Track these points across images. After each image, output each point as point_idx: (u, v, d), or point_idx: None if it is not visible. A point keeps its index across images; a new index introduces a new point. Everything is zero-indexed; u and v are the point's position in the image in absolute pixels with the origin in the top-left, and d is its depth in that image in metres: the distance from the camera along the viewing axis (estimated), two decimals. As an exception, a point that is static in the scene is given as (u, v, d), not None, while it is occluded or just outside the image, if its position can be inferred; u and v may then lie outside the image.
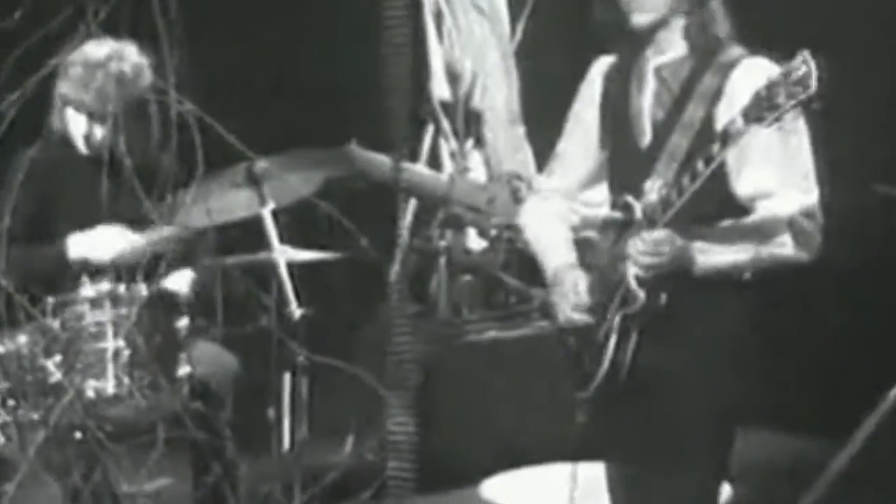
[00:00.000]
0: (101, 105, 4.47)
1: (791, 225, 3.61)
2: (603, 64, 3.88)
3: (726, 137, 3.47)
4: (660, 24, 3.72)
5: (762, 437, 5.08)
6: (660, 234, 3.56)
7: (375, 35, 3.62)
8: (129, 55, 4.49)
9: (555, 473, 5.40)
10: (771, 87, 3.39)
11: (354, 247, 4.27)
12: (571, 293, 3.75)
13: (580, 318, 3.71)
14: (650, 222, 3.60)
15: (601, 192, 3.90)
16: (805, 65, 3.35)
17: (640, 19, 3.69)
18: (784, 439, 5.31)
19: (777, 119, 3.40)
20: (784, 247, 3.63)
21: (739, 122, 3.44)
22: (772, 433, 5.23)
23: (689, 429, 3.67)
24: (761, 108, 3.41)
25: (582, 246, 3.84)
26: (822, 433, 4.58)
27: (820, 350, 5.38)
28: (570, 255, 3.80)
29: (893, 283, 5.03)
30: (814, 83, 3.32)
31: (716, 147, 3.47)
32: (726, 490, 5.02)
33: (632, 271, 3.61)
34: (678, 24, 3.74)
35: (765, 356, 3.76)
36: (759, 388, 3.83)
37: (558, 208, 3.92)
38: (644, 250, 3.57)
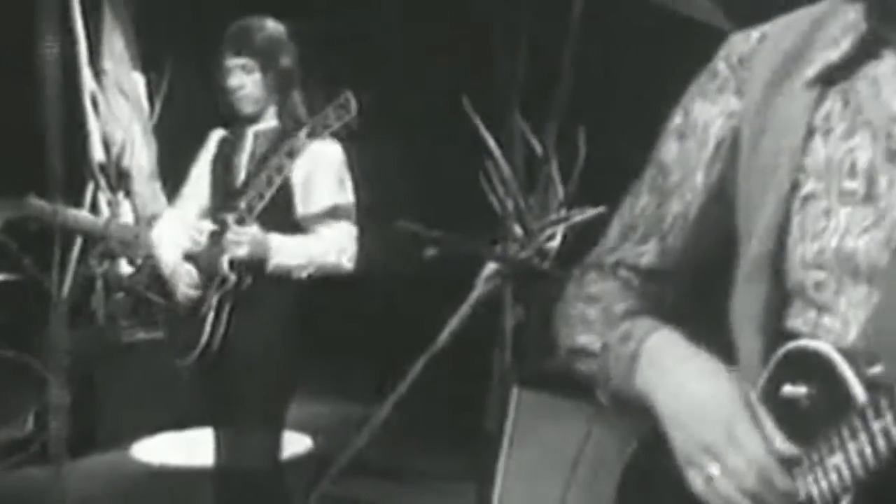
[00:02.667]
0: None
1: (338, 244, 4.30)
2: (218, 134, 4.52)
3: (292, 151, 4.12)
4: (261, 112, 4.40)
5: (331, 401, 5.90)
6: (246, 228, 4.14)
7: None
8: None
9: (187, 436, 6.02)
10: (325, 113, 4.07)
11: (24, 270, 4.99)
12: (186, 277, 4.28)
13: (194, 292, 4.24)
14: (239, 221, 4.16)
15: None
16: (346, 98, 4.08)
17: (246, 110, 4.39)
18: (345, 402, 5.98)
19: (330, 133, 4.05)
20: (333, 259, 4.29)
21: (302, 137, 4.08)
22: (337, 397, 5.98)
23: (255, 394, 4.20)
24: (317, 127, 4.08)
25: (193, 255, 4.32)
26: (370, 395, 5.27)
27: (367, 337, 6.13)
28: (180, 257, 4.34)
29: (416, 288, 5.86)
30: (353, 109, 4.07)
31: (285, 161, 4.08)
32: (308, 441, 5.78)
33: (225, 258, 4.17)
34: (273, 106, 4.41)
35: (327, 339, 4.42)
36: (323, 364, 4.51)
37: (178, 229, 4.40)
38: (233, 240, 4.13)
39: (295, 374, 4.33)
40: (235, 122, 4.45)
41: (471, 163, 5.36)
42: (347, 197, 4.38)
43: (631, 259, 1.93)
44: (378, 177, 5.27)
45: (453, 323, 5.24)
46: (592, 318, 1.91)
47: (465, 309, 5.26)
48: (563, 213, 5.40)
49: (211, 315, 4.19)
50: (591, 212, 5.15)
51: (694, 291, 1.93)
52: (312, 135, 4.09)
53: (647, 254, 1.92)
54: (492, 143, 5.40)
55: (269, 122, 4.42)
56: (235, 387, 4.22)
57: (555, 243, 5.38)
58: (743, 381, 1.73)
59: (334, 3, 5.68)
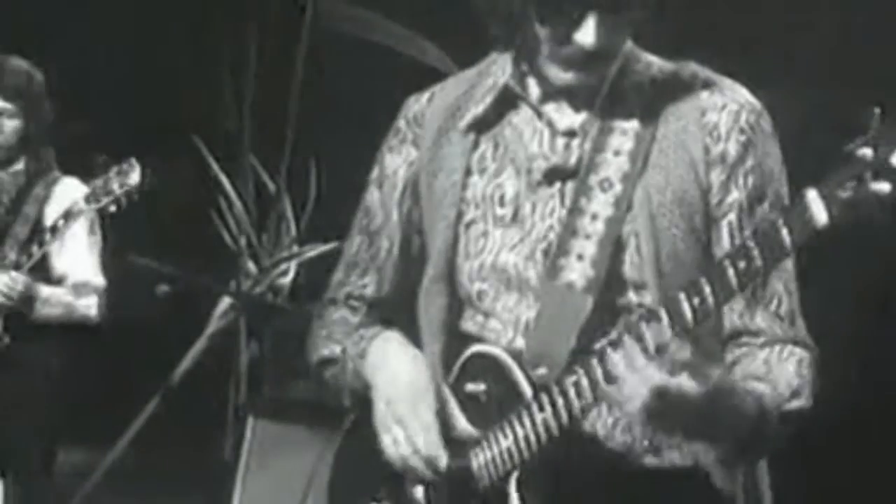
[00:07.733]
0: None
1: (87, 299, 4.25)
2: None
3: (69, 214, 3.99)
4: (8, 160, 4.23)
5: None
6: (14, 275, 4.01)
7: None
8: None
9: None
10: (107, 177, 3.91)
11: None
12: None
13: None
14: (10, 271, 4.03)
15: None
16: (130, 164, 3.94)
17: None
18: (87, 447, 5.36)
19: (113, 201, 3.92)
20: (83, 312, 4.23)
21: (81, 203, 3.95)
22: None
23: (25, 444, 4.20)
24: (98, 193, 3.93)
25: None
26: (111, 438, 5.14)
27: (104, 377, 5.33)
28: None
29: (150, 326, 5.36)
30: (136, 178, 3.95)
31: (60, 223, 3.97)
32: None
33: None
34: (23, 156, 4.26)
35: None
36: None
37: None
38: (5, 291, 4.02)
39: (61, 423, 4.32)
40: None
41: (204, 200, 5.31)
42: (95, 254, 4.32)
43: (357, 291, 2.28)
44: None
45: (189, 359, 5.26)
46: (337, 334, 2.26)
47: (200, 345, 5.31)
48: (295, 248, 5.44)
49: None
50: (323, 247, 5.18)
51: (413, 309, 2.24)
52: (92, 200, 3.96)
53: (369, 285, 2.27)
54: (224, 179, 5.39)
55: (16, 167, 4.29)
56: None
57: (287, 279, 5.43)
58: (438, 376, 2.13)
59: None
